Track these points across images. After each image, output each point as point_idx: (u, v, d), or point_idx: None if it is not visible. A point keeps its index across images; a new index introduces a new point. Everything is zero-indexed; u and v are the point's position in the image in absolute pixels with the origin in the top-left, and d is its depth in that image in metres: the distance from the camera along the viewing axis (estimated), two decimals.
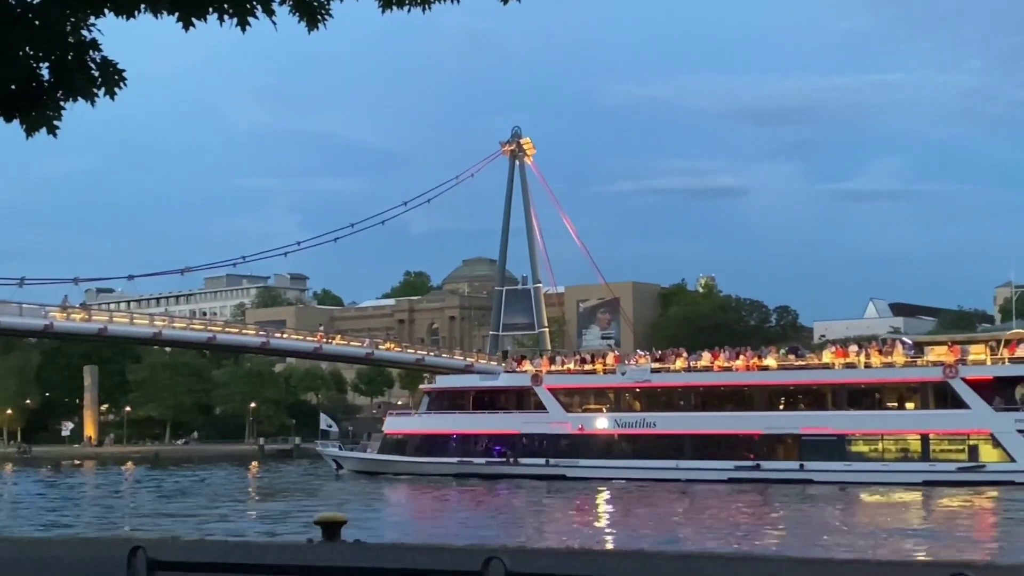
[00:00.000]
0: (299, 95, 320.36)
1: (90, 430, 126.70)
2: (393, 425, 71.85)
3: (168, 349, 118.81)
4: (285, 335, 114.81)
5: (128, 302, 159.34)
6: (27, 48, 9.29)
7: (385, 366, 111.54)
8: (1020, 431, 53.29)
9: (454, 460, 64.74)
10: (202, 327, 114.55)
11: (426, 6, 9.34)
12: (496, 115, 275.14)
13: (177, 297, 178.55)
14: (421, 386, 79.65)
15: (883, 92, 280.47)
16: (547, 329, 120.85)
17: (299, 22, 9.27)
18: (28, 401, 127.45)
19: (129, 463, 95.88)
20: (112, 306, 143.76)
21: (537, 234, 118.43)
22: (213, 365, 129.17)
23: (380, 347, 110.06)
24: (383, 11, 9.31)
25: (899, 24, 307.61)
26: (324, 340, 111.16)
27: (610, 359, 69.17)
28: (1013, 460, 52.80)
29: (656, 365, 65.92)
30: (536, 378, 66.16)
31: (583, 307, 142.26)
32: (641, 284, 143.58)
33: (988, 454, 54.07)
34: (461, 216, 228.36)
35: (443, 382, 75.45)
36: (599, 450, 63.68)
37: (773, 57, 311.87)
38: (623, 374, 65.49)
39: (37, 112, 9.36)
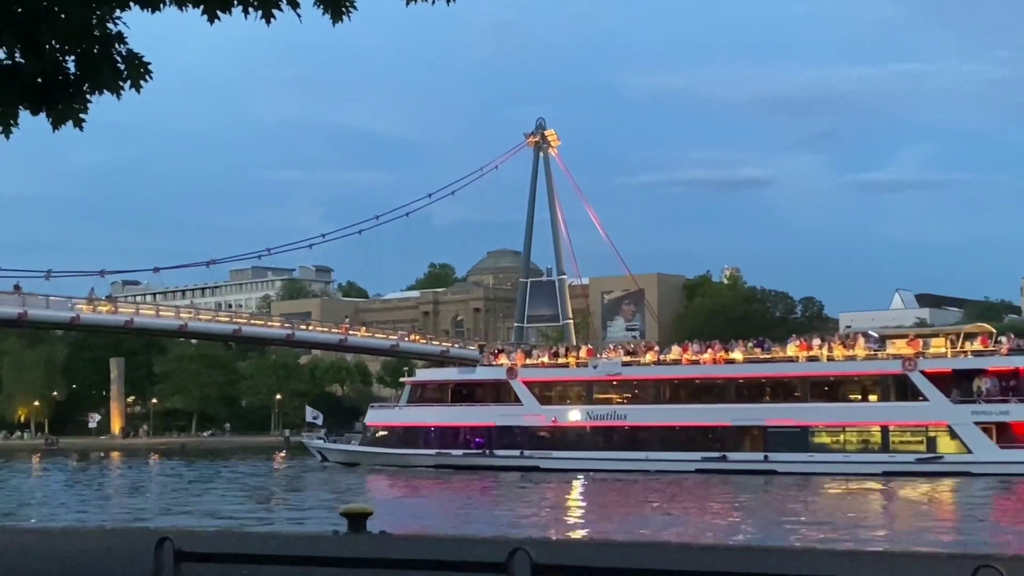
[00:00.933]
0: (324, 87, 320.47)
1: (117, 422, 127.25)
2: (374, 417, 73.02)
3: (194, 341, 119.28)
4: (310, 327, 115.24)
5: (154, 294, 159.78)
6: (53, 42, 9.32)
7: (410, 358, 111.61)
8: (977, 423, 54.10)
9: (432, 452, 65.51)
10: (228, 319, 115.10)
11: None
12: (520, 106, 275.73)
13: (203, 289, 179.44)
14: (401, 379, 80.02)
15: (909, 82, 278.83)
16: (572, 321, 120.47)
17: (323, 14, 9.26)
18: (55, 393, 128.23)
19: (155, 455, 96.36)
20: (138, 298, 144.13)
21: (562, 226, 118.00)
22: (239, 357, 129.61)
23: (406, 339, 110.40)
24: (407, 3, 9.29)
25: (924, 14, 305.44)
26: (349, 332, 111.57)
27: (583, 353, 70.44)
28: (970, 451, 53.81)
29: (627, 359, 67.00)
30: (511, 371, 67.03)
31: (607, 299, 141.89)
32: (666, 276, 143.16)
33: (946, 445, 55.22)
34: (485, 208, 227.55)
35: (423, 375, 76.64)
36: (572, 442, 64.57)
37: (798, 47, 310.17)
38: (595, 367, 66.61)
39: (63, 105, 9.39)
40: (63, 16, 9.26)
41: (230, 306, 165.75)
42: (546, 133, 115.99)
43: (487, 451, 64.56)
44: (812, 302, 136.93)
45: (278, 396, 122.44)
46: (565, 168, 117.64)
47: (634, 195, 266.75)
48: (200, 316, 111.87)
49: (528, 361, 69.45)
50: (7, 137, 9.56)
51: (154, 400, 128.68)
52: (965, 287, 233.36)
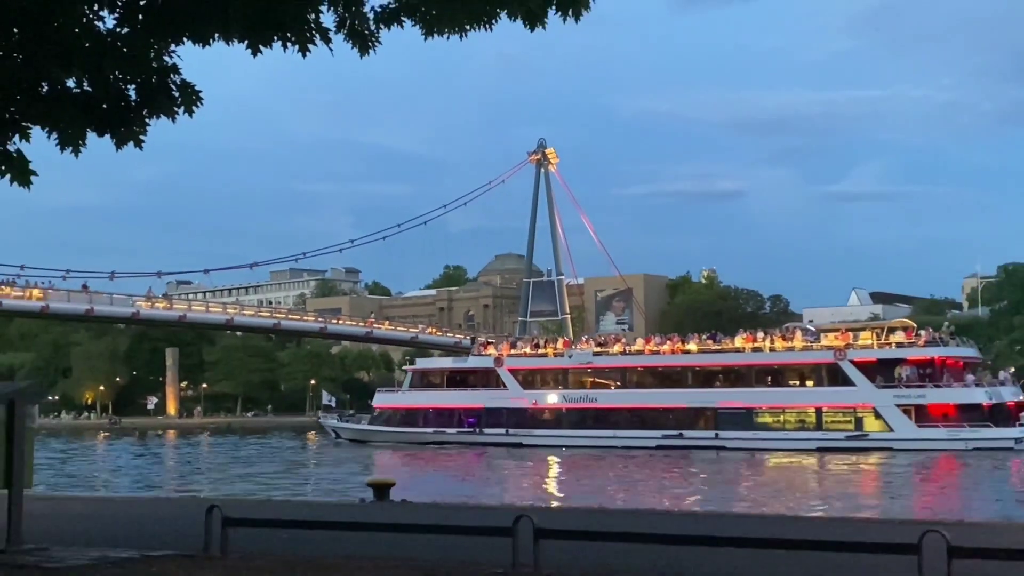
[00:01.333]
0: (353, 110, 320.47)
1: (171, 404, 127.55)
2: (381, 400, 73.61)
3: (239, 333, 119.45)
4: (340, 321, 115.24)
5: (204, 292, 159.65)
6: (116, 73, 9.32)
7: (428, 348, 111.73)
8: (898, 405, 54.99)
9: (430, 430, 65.97)
10: (268, 314, 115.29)
11: (463, 33, 9.30)
12: (524, 127, 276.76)
13: (247, 288, 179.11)
14: (404, 367, 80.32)
15: (865, 106, 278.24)
16: (569, 316, 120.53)
17: (352, 48, 9.26)
18: (118, 379, 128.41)
19: (206, 433, 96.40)
20: (190, 296, 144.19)
21: (560, 232, 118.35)
22: (278, 347, 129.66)
23: (424, 332, 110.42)
24: (426, 38, 9.29)
25: (878, 46, 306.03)
26: (374, 326, 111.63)
27: (560, 344, 71.85)
28: (892, 430, 54.64)
29: (597, 350, 68.33)
30: (498, 360, 68.09)
31: (600, 296, 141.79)
32: (651, 276, 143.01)
33: (871, 424, 55.90)
34: (493, 217, 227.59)
35: (422, 364, 77.16)
36: (550, 422, 65.22)
37: (768, 74, 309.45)
38: (570, 357, 67.72)
39: (125, 128, 9.38)
40: (125, 50, 9.26)
41: (270, 303, 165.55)
42: (546, 151, 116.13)
43: (477, 429, 64.99)
44: (779, 299, 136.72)
45: (312, 381, 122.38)
46: (563, 181, 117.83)
47: (624, 205, 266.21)
48: (244, 312, 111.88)
49: (512, 352, 70.32)
50: (76, 155, 9.55)
51: (204, 385, 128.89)
52: (913, 285, 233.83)
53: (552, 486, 38.71)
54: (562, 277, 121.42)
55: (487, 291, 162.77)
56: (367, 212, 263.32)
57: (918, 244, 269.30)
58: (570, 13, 9.22)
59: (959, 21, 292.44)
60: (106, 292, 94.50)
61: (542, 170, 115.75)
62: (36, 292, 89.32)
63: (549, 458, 51.52)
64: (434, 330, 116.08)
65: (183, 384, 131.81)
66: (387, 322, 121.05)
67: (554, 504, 25.72)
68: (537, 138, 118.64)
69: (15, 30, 9.30)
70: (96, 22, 9.38)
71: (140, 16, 9.17)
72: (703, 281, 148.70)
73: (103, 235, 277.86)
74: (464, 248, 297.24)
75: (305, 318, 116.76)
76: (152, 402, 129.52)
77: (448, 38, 9.34)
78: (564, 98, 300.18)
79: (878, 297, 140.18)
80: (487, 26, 9.33)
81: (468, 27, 9.28)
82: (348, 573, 7.58)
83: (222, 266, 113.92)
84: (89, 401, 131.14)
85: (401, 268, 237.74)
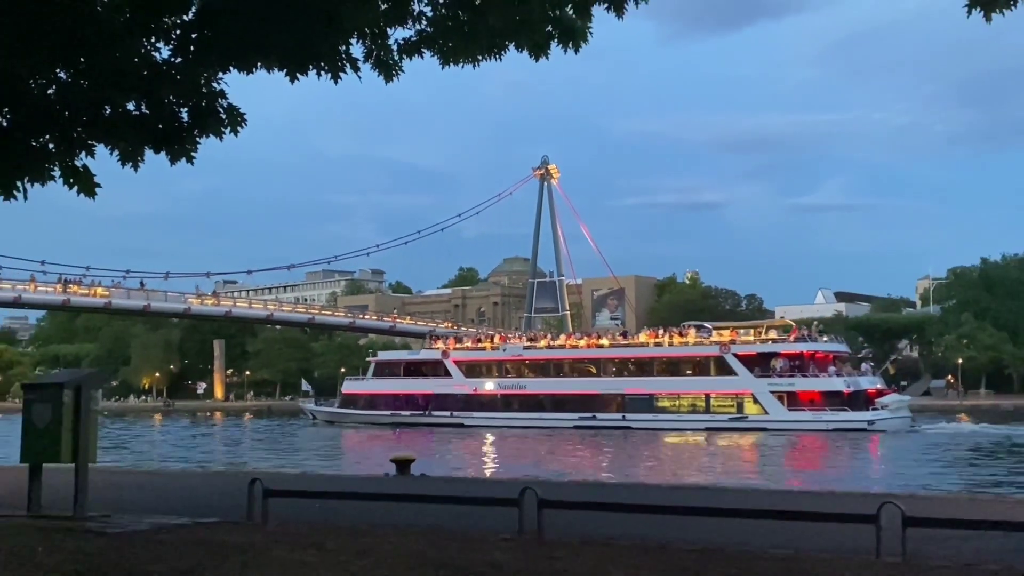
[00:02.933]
0: (377, 129, 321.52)
1: (219, 389, 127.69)
2: (348, 387, 75.45)
3: (278, 327, 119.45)
4: (367, 316, 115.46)
5: (247, 291, 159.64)
6: (171, 97, 9.33)
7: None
8: (772, 392, 57.13)
9: (388, 413, 67.77)
10: (304, 310, 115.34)
11: (476, 63, 9.32)
12: (529, 146, 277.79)
13: (284, 287, 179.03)
14: (368, 358, 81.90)
15: (831, 127, 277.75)
16: (568, 312, 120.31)
17: (378, 76, 9.28)
18: (171, 367, 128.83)
19: (248, 414, 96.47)
20: (235, 294, 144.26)
21: (561, 238, 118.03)
22: (312, 339, 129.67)
23: (440, 326, 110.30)
24: (443, 67, 9.31)
25: (843, 75, 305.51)
26: (397, 321, 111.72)
27: (496, 339, 74.21)
28: (767, 413, 56.87)
29: (527, 344, 70.80)
30: (445, 353, 70.50)
31: (596, 295, 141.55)
32: (641, 277, 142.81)
33: (750, 408, 58.11)
34: (502, 225, 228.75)
35: (383, 356, 79.43)
36: (487, 405, 66.68)
37: (746, 99, 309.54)
38: (504, 350, 69.92)
39: (179, 146, 9.40)
40: (179, 78, 9.27)
41: (305, 300, 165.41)
42: (549, 167, 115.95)
43: (427, 412, 66.94)
44: (754, 298, 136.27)
45: (342, 369, 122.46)
46: (564, 194, 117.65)
47: (618, 214, 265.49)
48: (283, 308, 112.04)
49: (457, 346, 72.67)
50: (136, 170, 9.58)
51: (247, 372, 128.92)
52: (873, 286, 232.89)
53: (504, 459, 39.09)
54: (563, 278, 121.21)
55: (496, 290, 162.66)
56: (390, 220, 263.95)
57: (877, 249, 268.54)
58: (570, 45, 9.25)
59: (913, 54, 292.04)
60: (161, 290, 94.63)
61: (545, 184, 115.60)
62: (100, 290, 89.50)
63: (487, 436, 52.61)
64: (449, 325, 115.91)
65: (229, 371, 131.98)
66: (408, 317, 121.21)
67: (556, 480, 25.67)
68: (540, 155, 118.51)
69: (81, 59, 9.33)
70: (153, 52, 9.41)
71: (191, 47, 9.18)
72: (687, 282, 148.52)
73: (158, 240, 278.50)
74: (476, 252, 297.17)
75: (336, 314, 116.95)
76: (201, 387, 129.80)
77: (463, 67, 9.36)
78: (565, 120, 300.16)
79: (841, 296, 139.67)
80: (497, 56, 9.35)
81: (480, 57, 9.31)
82: (375, 539, 7.56)
83: (263, 267, 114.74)
84: (146, 386, 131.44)
85: (420, 269, 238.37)
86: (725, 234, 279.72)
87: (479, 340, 74.77)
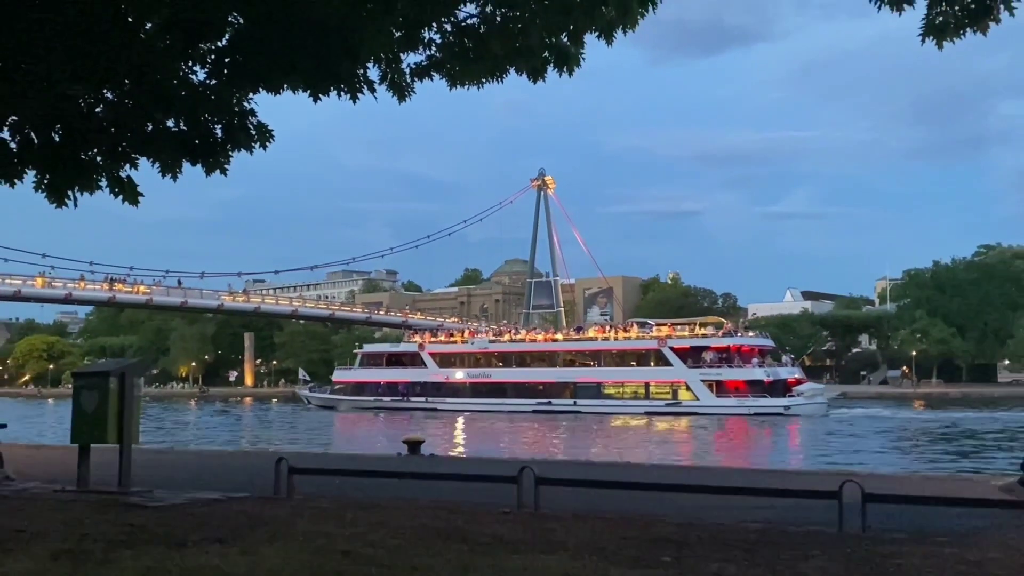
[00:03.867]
0: (391, 144, 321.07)
1: (248, 377, 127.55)
2: (338, 376, 77.47)
3: (302, 321, 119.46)
4: (382, 312, 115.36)
5: (274, 289, 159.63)
6: (206, 115, 9.34)
7: (451, 332, 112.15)
8: (703, 381, 58.94)
9: (372, 398, 69.20)
10: (325, 307, 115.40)
11: (480, 85, 9.34)
12: (527, 159, 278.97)
13: (308, 286, 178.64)
14: (354, 350, 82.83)
15: (798, 143, 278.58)
16: (562, 309, 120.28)
17: (392, 96, 9.29)
18: (206, 357, 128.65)
19: (275, 400, 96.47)
20: (263, 292, 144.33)
21: (556, 242, 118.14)
22: (332, 333, 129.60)
23: (448, 321, 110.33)
24: (451, 88, 9.33)
25: (810, 96, 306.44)
26: (409, 316, 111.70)
27: (466, 334, 75.83)
28: (698, 399, 58.35)
29: (492, 338, 72.69)
30: (421, 346, 72.06)
31: (587, 293, 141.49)
32: (628, 277, 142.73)
33: (684, 395, 59.54)
34: (503, 230, 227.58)
35: (368, 348, 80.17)
36: (458, 392, 67.60)
37: (723, 117, 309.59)
38: (472, 344, 71.19)
39: (213, 159, 9.40)
40: (213, 98, 9.28)
41: (326, 297, 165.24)
42: (545, 178, 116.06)
43: (405, 398, 68.00)
44: (729, 296, 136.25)
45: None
46: (559, 202, 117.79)
47: (607, 221, 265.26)
48: (306, 304, 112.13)
49: (432, 339, 74.00)
50: (175, 180, 9.60)
51: (274, 362, 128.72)
52: (835, 286, 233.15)
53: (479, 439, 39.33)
54: (557, 278, 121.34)
55: (498, 289, 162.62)
56: (403, 225, 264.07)
57: (839, 253, 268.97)
58: (564, 69, 9.26)
59: (872, 77, 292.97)
60: (197, 288, 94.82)
61: (542, 193, 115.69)
62: (142, 288, 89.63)
63: (458, 419, 53.06)
64: (455, 319, 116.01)
65: (257, 361, 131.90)
66: (419, 313, 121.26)
67: (550, 459, 25.64)
68: (538, 168, 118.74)
69: (127, 81, 9.35)
70: (190, 75, 9.42)
71: (225, 71, 9.19)
72: (669, 282, 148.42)
73: (194, 242, 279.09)
74: (480, 254, 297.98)
75: (354, 310, 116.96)
76: (233, 375, 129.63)
77: (468, 88, 9.39)
78: (559, 135, 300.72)
79: (807, 295, 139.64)
80: (499, 79, 9.37)
81: (484, 80, 9.32)
82: (390, 512, 7.56)
83: (288, 268, 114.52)
84: (183, 374, 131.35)
85: (430, 270, 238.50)
86: (703, 239, 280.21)
87: (451, 335, 76.31)
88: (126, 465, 8.95)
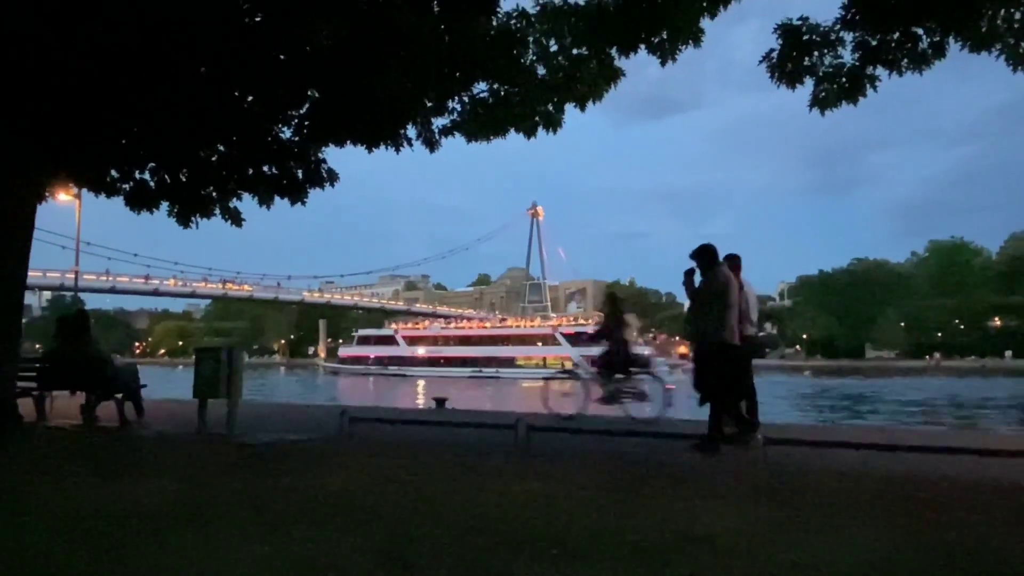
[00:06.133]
0: (425, 182, 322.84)
1: (322, 352, 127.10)
2: (342, 351, 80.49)
3: (360, 311, 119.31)
4: (418, 305, 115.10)
5: (340, 288, 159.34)
6: (291, 162, 9.37)
7: (467, 319, 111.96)
8: (582, 356, 60.79)
9: (362, 367, 71.76)
10: (376, 301, 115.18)
11: (488, 140, 9.38)
12: (525, 193, 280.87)
13: (365, 286, 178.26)
14: (352, 332, 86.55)
15: (722, 182, 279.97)
16: (549, 304, 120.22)
17: (425, 147, 9.33)
18: (292, 336, 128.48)
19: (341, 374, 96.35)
20: (333, 290, 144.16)
21: (544, 254, 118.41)
22: (381, 321, 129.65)
23: (466, 311, 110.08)
24: (468, 143, 9.37)
25: (728, 148, 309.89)
26: (437, 307, 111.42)
27: (426, 323, 79.62)
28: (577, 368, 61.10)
29: (443, 325, 77.46)
30: (396, 332, 75.24)
31: (567, 292, 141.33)
32: (597, 280, 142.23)
33: (569, 365, 63.71)
34: (506, 245, 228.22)
35: (362, 333, 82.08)
36: (421, 363, 70.17)
37: (665, 164, 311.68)
38: (429, 330, 74.94)
39: (296, 194, 9.44)
40: (296, 150, 9.31)
41: (377, 294, 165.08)
42: (537, 208, 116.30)
43: (385, 367, 70.31)
44: (672, 295, 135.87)
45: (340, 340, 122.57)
46: (546, 226, 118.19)
47: (583, 240, 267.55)
48: (363, 299, 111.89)
49: (403, 326, 77.43)
50: (268, 209, 9.62)
51: (340, 340, 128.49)
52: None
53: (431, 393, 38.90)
54: (546, 280, 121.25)
55: (503, 289, 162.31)
56: (433, 242, 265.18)
57: (750, 262, 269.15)
58: (550, 129, 9.34)
59: (775, 133, 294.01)
60: (285, 287, 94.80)
61: (535, 219, 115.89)
62: (246, 286, 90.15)
63: (419, 382, 54.44)
64: (472, 311, 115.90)
65: (328, 340, 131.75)
66: (444, 306, 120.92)
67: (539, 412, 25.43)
68: (531, 200, 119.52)
69: (234, 137, 9.39)
70: (280, 133, 9.43)
71: (305, 130, 9.21)
72: (627, 284, 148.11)
73: (283, 253, 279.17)
74: (489, 263, 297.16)
75: (397, 303, 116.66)
76: (311, 351, 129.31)
77: (480, 142, 9.44)
78: (547, 176, 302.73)
79: None
80: (503, 136, 9.42)
81: (492, 136, 9.36)
82: (423, 449, 7.60)
83: (351, 272, 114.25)
84: (275, 348, 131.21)
85: (453, 274, 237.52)
86: (651, 252, 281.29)
87: (418, 323, 79.34)
88: (233, 414, 8.99)
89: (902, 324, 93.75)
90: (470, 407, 17.10)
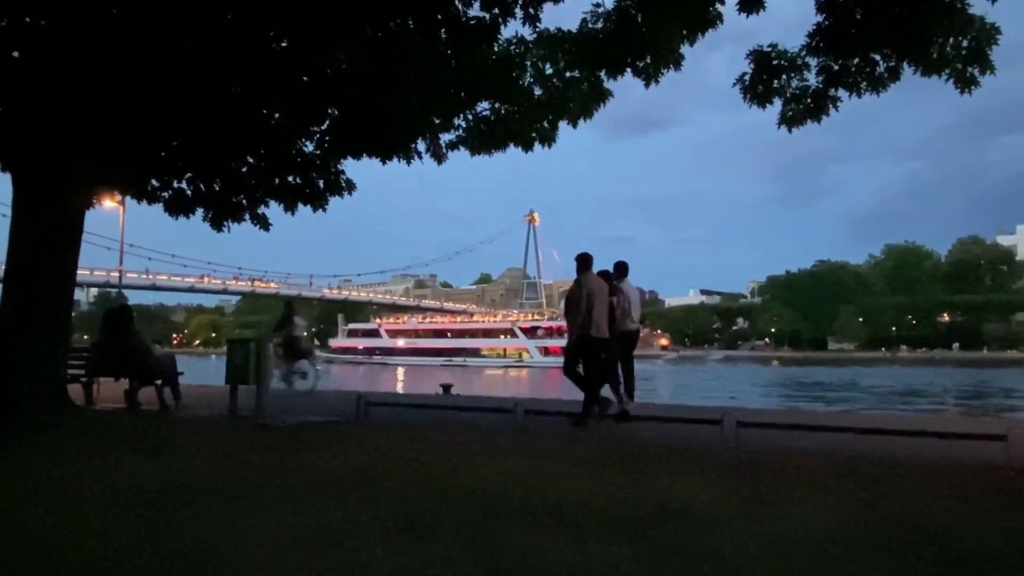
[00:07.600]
0: (433, 190, 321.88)
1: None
2: (334, 342, 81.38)
3: (375, 307, 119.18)
4: (427, 301, 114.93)
5: (357, 286, 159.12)
6: (313, 173, 9.37)
7: (472, 313, 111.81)
8: (537, 347, 63.55)
9: (350, 356, 72.82)
10: (389, 298, 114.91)
11: (490, 153, 9.40)
12: (523, 200, 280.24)
13: (379, 284, 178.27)
14: (342, 327, 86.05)
15: (698, 194, 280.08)
16: (544, 301, 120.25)
17: (432, 159, 9.33)
18: (314, 329, 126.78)
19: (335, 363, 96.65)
20: (350, 288, 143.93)
21: (540, 257, 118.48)
22: (395, 312, 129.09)
23: (471, 307, 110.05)
24: (472, 155, 9.37)
25: (703, 162, 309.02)
26: (444, 304, 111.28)
27: (406, 318, 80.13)
28: (533, 358, 63.01)
29: (421, 318, 78.10)
30: (380, 325, 77.09)
31: (560, 290, 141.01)
32: None
33: (526, 356, 64.44)
34: (506, 247, 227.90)
35: (351, 326, 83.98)
36: (402, 353, 71.44)
37: (646, 176, 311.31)
38: (407, 324, 75.77)
39: (317, 202, 9.44)
40: (318, 163, 9.32)
41: (390, 292, 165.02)
42: (534, 214, 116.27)
43: (371, 356, 71.55)
44: (654, 292, 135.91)
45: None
46: (542, 231, 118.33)
47: (574, 244, 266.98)
48: (377, 296, 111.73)
49: (386, 321, 78.36)
50: (292, 215, 9.61)
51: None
52: (722, 285, 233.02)
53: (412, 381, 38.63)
54: (541, 279, 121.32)
55: (503, 287, 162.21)
56: (440, 245, 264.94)
57: (725, 264, 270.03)
58: (545, 144, 9.37)
59: (747, 148, 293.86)
60: (307, 284, 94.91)
61: (532, 225, 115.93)
62: (273, 284, 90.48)
63: (400, 369, 56.21)
64: (475, 306, 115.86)
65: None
66: (450, 302, 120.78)
67: (536, 397, 25.29)
68: (529, 206, 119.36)
69: (262, 151, 9.39)
70: (303, 147, 9.43)
71: (326, 144, 9.21)
72: None
73: (306, 254, 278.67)
74: (491, 263, 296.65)
75: (408, 299, 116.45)
76: (331, 342, 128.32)
77: (483, 155, 9.46)
78: (543, 185, 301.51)
79: (704, 292, 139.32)
80: (503, 149, 9.43)
81: (493, 150, 9.37)
82: (432, 430, 7.61)
83: (366, 271, 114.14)
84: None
85: (458, 273, 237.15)
86: (635, 255, 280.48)
87: (399, 318, 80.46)
88: (261, 399, 9.00)
89: (860, 319, 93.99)
90: (468, 394, 17.09)
